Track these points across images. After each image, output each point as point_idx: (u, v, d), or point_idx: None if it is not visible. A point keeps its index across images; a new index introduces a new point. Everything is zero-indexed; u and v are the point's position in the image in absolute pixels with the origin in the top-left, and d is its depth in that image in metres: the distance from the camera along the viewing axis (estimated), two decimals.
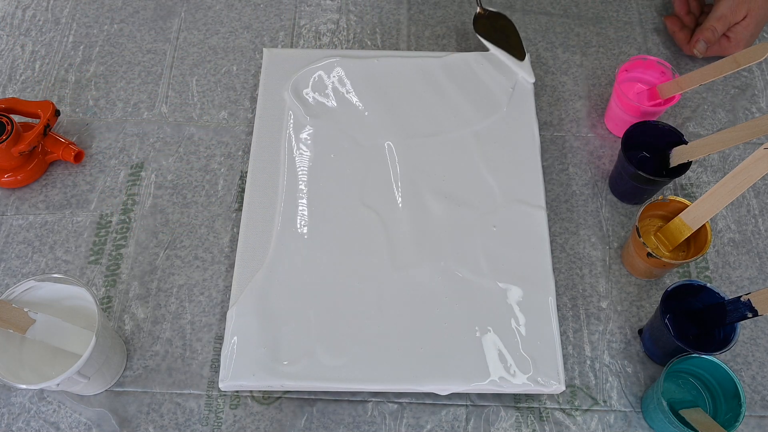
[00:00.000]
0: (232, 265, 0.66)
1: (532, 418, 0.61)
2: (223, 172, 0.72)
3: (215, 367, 0.62)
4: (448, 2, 0.85)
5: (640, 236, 0.61)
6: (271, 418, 0.60)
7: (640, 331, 0.64)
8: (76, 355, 0.56)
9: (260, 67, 0.77)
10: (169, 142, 0.74)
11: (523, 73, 0.73)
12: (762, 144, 0.54)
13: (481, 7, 0.78)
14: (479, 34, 0.76)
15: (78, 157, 0.71)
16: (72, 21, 0.83)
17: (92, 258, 0.67)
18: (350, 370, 0.58)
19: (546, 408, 0.61)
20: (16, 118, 0.69)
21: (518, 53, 0.74)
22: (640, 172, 0.64)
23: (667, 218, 0.64)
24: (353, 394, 0.61)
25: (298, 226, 0.65)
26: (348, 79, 0.72)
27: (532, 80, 0.73)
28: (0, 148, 0.66)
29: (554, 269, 0.66)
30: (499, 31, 0.76)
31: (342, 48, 0.81)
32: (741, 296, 0.56)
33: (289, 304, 0.61)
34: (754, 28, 0.76)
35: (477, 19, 0.77)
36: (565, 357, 0.63)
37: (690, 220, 0.60)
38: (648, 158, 0.70)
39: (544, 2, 0.86)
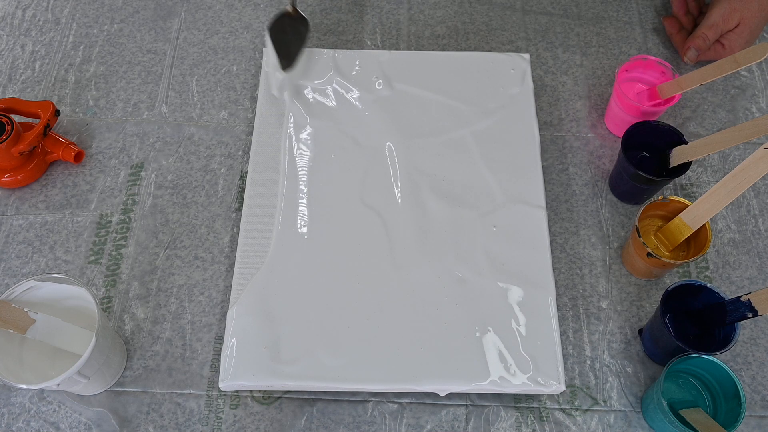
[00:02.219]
0: (232, 265, 0.66)
1: (532, 418, 0.61)
2: (223, 172, 0.72)
3: (215, 367, 0.62)
4: (448, 2, 0.85)
5: (640, 236, 0.61)
6: (271, 418, 0.60)
7: (640, 331, 0.64)
8: (76, 355, 0.56)
9: (260, 67, 0.77)
10: (169, 142, 0.74)
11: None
12: (762, 144, 0.54)
13: (294, 7, 0.73)
14: (270, 30, 0.71)
15: (78, 157, 0.71)
16: (72, 21, 0.83)
17: (92, 258, 0.67)
18: (350, 370, 0.58)
19: (546, 408, 0.61)
20: (16, 118, 0.69)
21: (286, 62, 0.71)
22: (640, 172, 0.64)
23: (667, 218, 0.64)
24: (353, 394, 0.61)
25: (298, 226, 0.65)
26: (349, 79, 0.72)
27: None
28: (0, 148, 0.66)
29: (554, 269, 0.66)
30: (291, 34, 0.72)
31: (342, 48, 0.81)
32: (741, 296, 0.56)
33: (289, 304, 0.61)
34: (748, 35, 0.75)
35: (280, 17, 0.73)
36: (565, 357, 0.63)
37: (690, 220, 0.60)
38: (648, 158, 0.70)
39: (544, 2, 0.86)
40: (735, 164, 0.74)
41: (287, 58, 0.71)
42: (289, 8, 0.73)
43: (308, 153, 0.68)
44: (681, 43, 0.79)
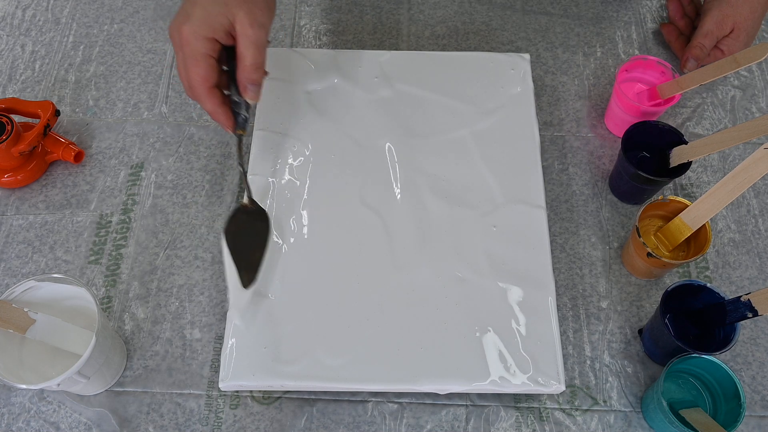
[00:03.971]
0: None
1: (532, 418, 0.61)
2: (223, 172, 0.72)
3: (215, 367, 0.62)
4: (448, 2, 0.85)
5: (640, 236, 0.61)
6: (271, 418, 0.60)
7: (640, 331, 0.64)
8: (76, 355, 0.56)
9: None
10: (169, 142, 0.74)
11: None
12: (762, 144, 0.54)
13: (250, 198, 0.62)
14: (226, 234, 0.60)
15: (78, 157, 0.71)
16: (72, 21, 0.83)
17: (92, 258, 0.67)
18: (350, 370, 0.58)
19: (546, 408, 0.61)
20: (16, 118, 0.69)
21: (247, 277, 0.58)
22: (640, 172, 0.64)
23: (667, 218, 0.64)
24: (353, 394, 0.61)
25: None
26: (349, 79, 0.72)
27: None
28: (0, 148, 0.66)
29: (554, 269, 0.66)
30: (250, 234, 0.60)
31: (342, 48, 0.81)
32: (741, 296, 0.56)
33: (289, 304, 0.61)
34: (745, 38, 0.75)
35: (236, 212, 0.61)
36: (565, 357, 0.63)
37: (690, 220, 0.60)
38: (648, 158, 0.70)
39: (544, 2, 0.86)
40: (735, 164, 0.74)
41: (248, 271, 0.58)
42: (245, 200, 0.62)
43: (308, 153, 0.68)
44: (680, 49, 0.79)
